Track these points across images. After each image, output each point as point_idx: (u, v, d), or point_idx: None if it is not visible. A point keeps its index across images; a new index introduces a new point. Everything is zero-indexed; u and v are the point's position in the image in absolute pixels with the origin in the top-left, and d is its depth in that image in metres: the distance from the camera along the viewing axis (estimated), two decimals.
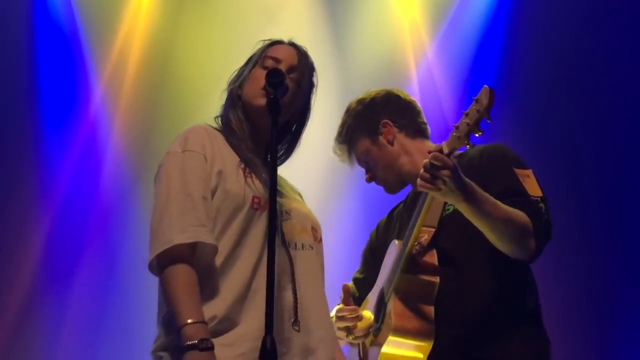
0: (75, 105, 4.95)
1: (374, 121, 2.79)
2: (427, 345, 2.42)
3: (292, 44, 2.51)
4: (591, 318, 4.43)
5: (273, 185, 2.09)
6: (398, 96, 2.85)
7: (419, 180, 2.32)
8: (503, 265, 2.48)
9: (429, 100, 5.19)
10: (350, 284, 2.92)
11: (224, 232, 2.28)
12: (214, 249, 2.25)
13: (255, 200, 2.31)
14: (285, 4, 5.17)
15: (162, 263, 2.22)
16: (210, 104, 4.16)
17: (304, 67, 2.47)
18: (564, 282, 4.33)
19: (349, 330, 2.68)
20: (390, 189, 2.84)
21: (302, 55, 2.49)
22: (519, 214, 2.41)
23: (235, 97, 2.46)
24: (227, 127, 2.44)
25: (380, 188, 2.85)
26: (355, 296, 2.86)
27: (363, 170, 2.86)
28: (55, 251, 4.78)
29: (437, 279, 2.46)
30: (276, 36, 2.56)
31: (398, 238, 2.68)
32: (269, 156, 2.43)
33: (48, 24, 4.96)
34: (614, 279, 4.46)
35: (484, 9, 5.11)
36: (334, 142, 2.90)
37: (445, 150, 2.28)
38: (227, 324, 2.21)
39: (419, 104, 2.89)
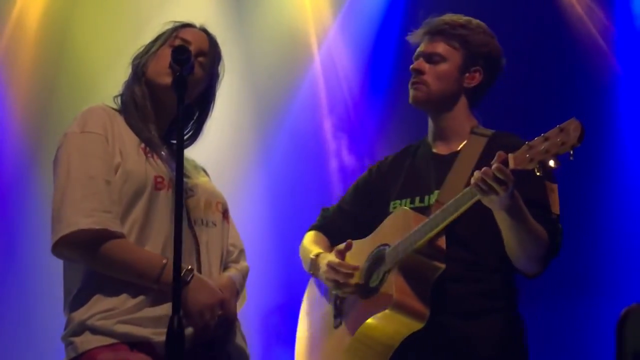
0: None
1: (477, 58, 2.65)
2: (416, 326, 2.40)
3: (203, 30, 2.50)
4: None
5: (180, 164, 2.07)
6: (503, 73, 2.72)
7: (476, 181, 2.27)
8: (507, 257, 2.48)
9: (331, 79, 5.22)
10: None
11: (128, 215, 2.25)
12: (121, 236, 2.23)
13: (158, 179, 2.29)
14: None
15: (71, 246, 2.19)
16: (108, 81, 4.07)
17: (212, 54, 2.47)
18: None
19: (337, 285, 2.62)
20: (417, 97, 2.65)
21: (212, 42, 2.49)
22: (543, 233, 2.40)
23: (139, 73, 2.42)
24: (129, 104, 2.40)
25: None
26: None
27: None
28: None
29: (443, 266, 2.44)
30: (177, 13, 2.56)
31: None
32: (173, 135, 2.42)
33: None
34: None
35: None
36: (428, 20, 2.69)
37: (511, 165, 2.23)
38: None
39: None
